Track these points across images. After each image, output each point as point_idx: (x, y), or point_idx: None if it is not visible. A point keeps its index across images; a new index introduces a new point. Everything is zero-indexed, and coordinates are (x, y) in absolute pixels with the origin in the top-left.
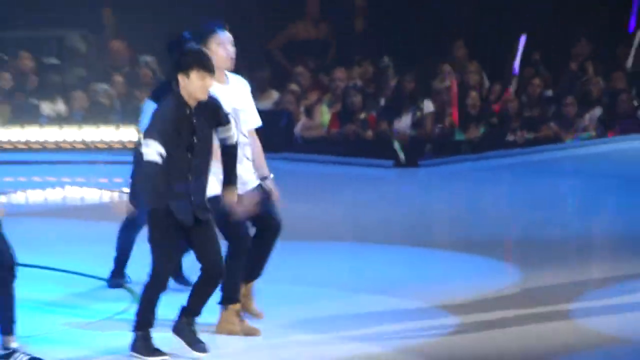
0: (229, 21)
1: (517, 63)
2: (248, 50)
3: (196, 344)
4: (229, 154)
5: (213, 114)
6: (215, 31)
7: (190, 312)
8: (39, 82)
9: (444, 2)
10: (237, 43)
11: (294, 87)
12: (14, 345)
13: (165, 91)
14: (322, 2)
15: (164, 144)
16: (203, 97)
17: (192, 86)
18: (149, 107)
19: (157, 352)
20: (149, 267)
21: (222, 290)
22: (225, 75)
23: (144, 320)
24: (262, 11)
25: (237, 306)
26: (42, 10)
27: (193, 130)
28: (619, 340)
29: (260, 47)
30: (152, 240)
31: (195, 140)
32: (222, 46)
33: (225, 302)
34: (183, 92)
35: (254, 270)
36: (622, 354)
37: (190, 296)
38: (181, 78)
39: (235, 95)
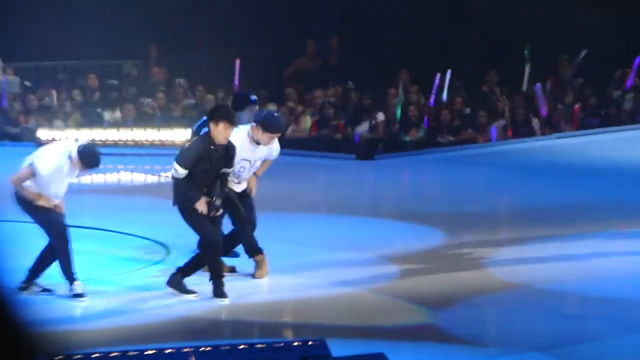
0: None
1: (445, 91)
2: (268, 78)
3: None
4: (221, 179)
5: (226, 157)
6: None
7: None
8: (102, 97)
9: (394, 37)
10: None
11: (290, 103)
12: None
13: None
14: (315, 43)
15: (188, 168)
16: (224, 142)
17: (217, 133)
18: (201, 121)
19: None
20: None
21: None
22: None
23: (188, 272)
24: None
25: None
26: (105, 44)
27: (210, 161)
28: (518, 285)
29: (278, 76)
30: (190, 224)
31: (209, 167)
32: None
33: None
34: (212, 135)
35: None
36: (519, 295)
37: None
38: (212, 125)
39: (264, 152)
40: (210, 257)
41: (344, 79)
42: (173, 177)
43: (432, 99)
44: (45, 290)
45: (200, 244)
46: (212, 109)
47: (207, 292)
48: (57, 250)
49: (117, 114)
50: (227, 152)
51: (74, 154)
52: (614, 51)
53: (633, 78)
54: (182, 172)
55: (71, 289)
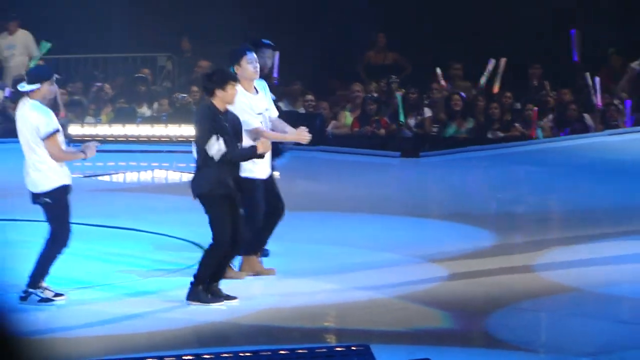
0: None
1: (496, 80)
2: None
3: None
4: None
5: (234, 123)
6: (245, 52)
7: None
8: (135, 92)
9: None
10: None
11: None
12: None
13: None
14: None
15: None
16: (232, 104)
17: (228, 97)
18: None
19: (213, 300)
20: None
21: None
22: (254, 86)
23: (203, 277)
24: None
25: None
26: (138, 38)
27: (225, 132)
28: (570, 288)
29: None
30: (213, 216)
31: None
32: (251, 64)
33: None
34: (221, 102)
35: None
36: (570, 299)
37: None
38: (219, 92)
39: (262, 100)
40: (216, 259)
41: (387, 74)
42: (199, 165)
43: (481, 84)
44: (57, 295)
45: (213, 243)
46: (208, 78)
47: (248, 295)
48: (52, 251)
49: (150, 109)
50: (232, 117)
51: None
52: None
53: None
54: (215, 152)
55: (36, 293)
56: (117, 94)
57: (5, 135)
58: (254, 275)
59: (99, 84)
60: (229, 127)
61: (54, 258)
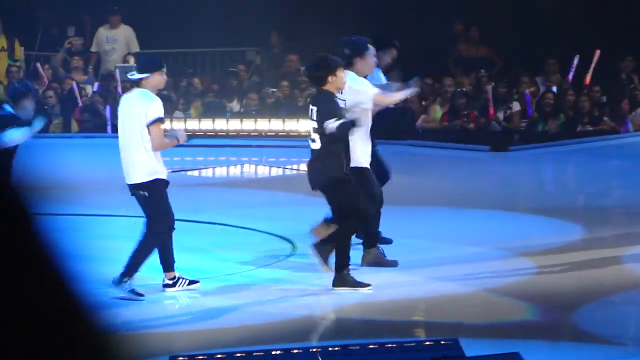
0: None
1: (589, 74)
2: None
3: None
4: None
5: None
6: (368, 46)
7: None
8: (224, 86)
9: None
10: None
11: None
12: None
13: None
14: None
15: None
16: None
17: (339, 81)
18: None
19: (361, 283)
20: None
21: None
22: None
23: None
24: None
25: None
26: (227, 32)
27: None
28: None
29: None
30: (344, 198)
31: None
32: (372, 59)
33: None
34: (334, 87)
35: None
36: None
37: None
38: (331, 77)
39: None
40: (354, 231)
41: (478, 68)
42: (319, 150)
43: (570, 80)
44: (192, 282)
45: (350, 217)
46: (316, 68)
47: (335, 289)
48: (155, 241)
49: (235, 105)
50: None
51: None
52: None
53: None
54: (336, 124)
55: (128, 283)
56: (206, 88)
57: (94, 130)
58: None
59: (191, 79)
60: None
61: (151, 250)
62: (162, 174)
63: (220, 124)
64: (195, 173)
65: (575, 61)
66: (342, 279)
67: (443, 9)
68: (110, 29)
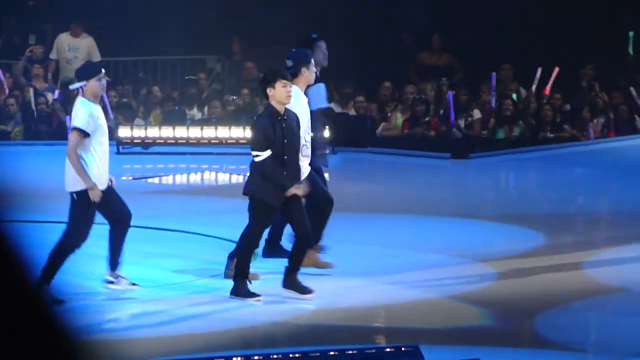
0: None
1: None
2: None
3: (305, 290)
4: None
5: (297, 123)
6: (310, 58)
7: (292, 269)
8: (185, 94)
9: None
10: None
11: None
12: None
13: None
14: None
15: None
16: (288, 102)
17: (278, 95)
18: None
19: (253, 294)
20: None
21: None
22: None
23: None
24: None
25: None
26: (187, 40)
27: (283, 133)
28: (619, 289)
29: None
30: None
31: (286, 141)
32: (313, 68)
33: None
34: (274, 102)
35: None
36: (621, 300)
37: (290, 258)
38: (269, 92)
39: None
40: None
41: (439, 77)
42: (255, 167)
43: (533, 91)
44: (133, 284)
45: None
46: (262, 78)
47: (296, 296)
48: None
49: (195, 112)
50: (294, 117)
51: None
52: None
53: None
54: (263, 154)
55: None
56: (166, 96)
57: (52, 138)
58: (313, 267)
59: (151, 86)
60: (288, 127)
61: (66, 257)
62: (80, 185)
63: (181, 132)
64: (156, 180)
65: (538, 74)
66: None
67: (405, 17)
68: (73, 37)
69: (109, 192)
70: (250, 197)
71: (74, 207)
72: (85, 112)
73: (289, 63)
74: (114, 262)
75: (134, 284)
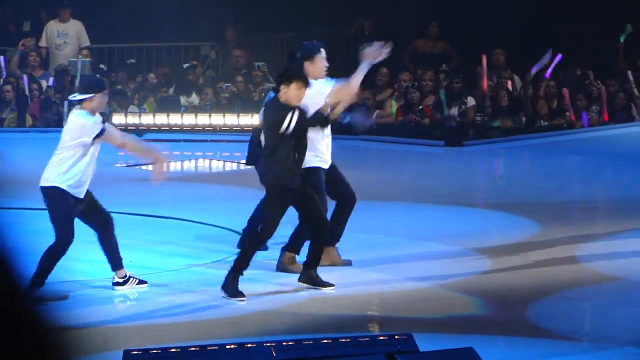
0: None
1: (549, 71)
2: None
3: (324, 284)
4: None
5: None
6: (319, 50)
7: (311, 263)
8: (180, 81)
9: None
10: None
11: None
12: (127, 273)
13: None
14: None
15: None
16: (298, 103)
17: (290, 95)
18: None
19: (240, 293)
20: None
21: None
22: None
23: (239, 267)
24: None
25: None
26: (182, 27)
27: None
28: (613, 277)
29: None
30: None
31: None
32: (323, 62)
33: None
34: (285, 99)
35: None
36: (615, 289)
37: (309, 252)
38: (283, 88)
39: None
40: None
41: (438, 64)
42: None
43: (533, 72)
44: (141, 282)
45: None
46: (282, 72)
47: (290, 284)
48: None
49: (194, 98)
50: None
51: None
52: None
53: None
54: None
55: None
56: (160, 83)
57: (48, 125)
58: (330, 265)
59: (146, 74)
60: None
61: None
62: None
63: (175, 119)
64: (150, 167)
65: (548, 55)
66: (307, 275)
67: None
68: (61, 23)
69: (89, 201)
70: (270, 186)
71: (54, 206)
72: (90, 120)
73: (297, 55)
74: (114, 262)
75: (141, 282)
